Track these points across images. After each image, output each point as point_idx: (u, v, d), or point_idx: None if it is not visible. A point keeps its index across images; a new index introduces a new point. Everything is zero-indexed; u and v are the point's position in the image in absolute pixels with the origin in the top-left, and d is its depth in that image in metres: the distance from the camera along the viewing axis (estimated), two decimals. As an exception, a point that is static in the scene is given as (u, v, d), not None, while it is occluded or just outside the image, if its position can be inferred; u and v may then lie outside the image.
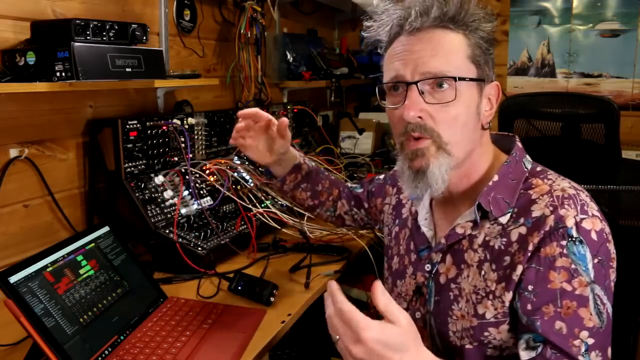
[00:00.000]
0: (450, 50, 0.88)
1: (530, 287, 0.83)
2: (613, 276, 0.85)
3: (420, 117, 0.88)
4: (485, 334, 0.88)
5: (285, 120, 1.22)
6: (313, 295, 1.33)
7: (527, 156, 0.96)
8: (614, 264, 0.85)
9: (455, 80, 0.86)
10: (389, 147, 2.80)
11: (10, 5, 1.30)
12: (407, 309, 1.01)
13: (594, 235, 0.82)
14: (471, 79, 0.89)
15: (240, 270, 1.38)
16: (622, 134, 1.97)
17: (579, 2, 2.94)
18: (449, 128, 0.88)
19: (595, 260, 0.82)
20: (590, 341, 0.80)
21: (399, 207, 1.14)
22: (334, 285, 0.76)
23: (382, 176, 1.35)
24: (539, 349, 0.81)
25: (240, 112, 1.24)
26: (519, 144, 0.97)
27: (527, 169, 0.93)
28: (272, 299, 1.25)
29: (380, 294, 0.74)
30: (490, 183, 0.91)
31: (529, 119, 2.06)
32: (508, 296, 0.86)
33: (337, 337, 0.75)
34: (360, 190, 1.39)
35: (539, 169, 0.94)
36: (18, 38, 1.31)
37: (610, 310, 0.83)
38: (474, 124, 0.91)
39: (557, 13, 2.99)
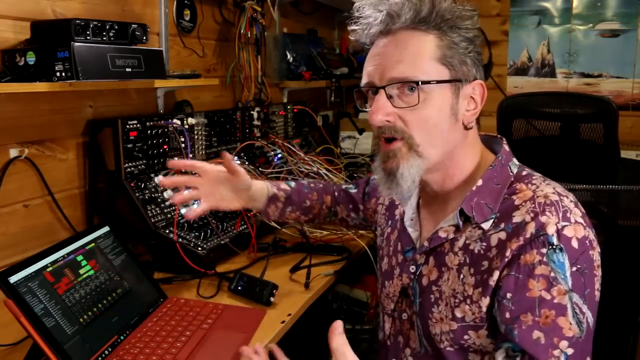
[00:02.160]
0: (417, 54, 0.87)
1: (508, 295, 0.82)
2: (597, 285, 0.83)
3: (388, 121, 0.89)
4: (465, 337, 0.88)
5: (227, 155, 1.19)
6: (313, 295, 1.33)
7: (514, 159, 0.95)
8: (598, 272, 0.83)
9: (418, 85, 0.86)
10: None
11: (10, 5, 1.31)
12: (394, 310, 1.02)
13: (574, 243, 0.81)
14: (439, 81, 0.87)
15: (240, 270, 1.38)
16: (621, 134, 1.97)
17: (579, 2, 2.94)
18: (420, 130, 0.88)
19: (574, 269, 0.80)
20: (570, 351, 0.79)
21: (392, 208, 1.13)
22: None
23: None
24: (517, 358, 0.80)
25: (171, 163, 1.23)
26: (506, 147, 0.95)
27: (512, 173, 0.92)
28: (272, 299, 1.25)
29: (337, 334, 0.77)
30: (474, 188, 0.90)
31: (528, 118, 2.06)
32: (485, 301, 0.85)
33: None
34: (354, 191, 1.37)
35: (524, 172, 0.93)
36: (18, 38, 1.32)
37: (590, 320, 0.81)
38: (449, 125, 0.90)
39: (557, 13, 3.00)
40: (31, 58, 1.25)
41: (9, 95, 1.29)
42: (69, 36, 1.25)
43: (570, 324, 0.79)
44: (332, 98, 2.76)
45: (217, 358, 1.04)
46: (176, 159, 1.63)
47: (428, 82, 0.87)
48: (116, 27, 1.38)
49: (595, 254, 0.83)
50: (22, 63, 1.26)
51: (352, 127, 2.77)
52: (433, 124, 0.88)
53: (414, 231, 1.01)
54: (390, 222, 1.12)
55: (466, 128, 0.92)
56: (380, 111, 0.88)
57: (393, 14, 0.88)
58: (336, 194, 1.40)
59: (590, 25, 2.93)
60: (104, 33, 1.35)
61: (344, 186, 1.43)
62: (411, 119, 0.88)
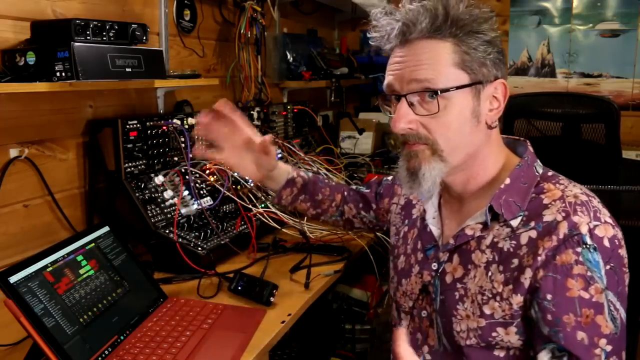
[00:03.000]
0: (436, 60, 0.89)
1: (549, 297, 0.83)
2: (627, 280, 0.85)
3: (411, 128, 0.91)
4: (494, 334, 0.89)
5: (267, 138, 1.21)
6: (313, 295, 1.33)
7: (538, 161, 0.97)
8: (627, 269, 0.86)
9: (437, 93, 0.88)
10: (389, 147, 2.80)
11: (10, 5, 1.30)
12: (412, 308, 1.02)
13: (606, 242, 0.83)
14: (458, 87, 0.88)
15: (240, 270, 1.38)
16: (622, 134, 1.97)
17: (579, 2, 2.94)
18: (443, 135, 0.90)
19: (608, 267, 0.82)
20: (609, 348, 0.81)
21: (408, 207, 1.14)
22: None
23: (390, 177, 1.36)
24: (564, 359, 0.82)
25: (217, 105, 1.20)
26: (531, 149, 0.97)
27: (538, 173, 0.94)
28: (272, 299, 1.24)
29: (403, 341, 0.77)
30: (502, 186, 0.92)
31: (529, 119, 2.06)
32: (516, 299, 0.86)
33: None
34: (367, 191, 1.38)
35: (550, 173, 0.95)
36: (18, 38, 1.31)
37: (623, 315, 0.84)
38: (471, 128, 0.91)
39: (557, 13, 2.99)
40: (31, 58, 1.25)
41: (9, 95, 1.29)
42: (69, 36, 1.25)
43: (607, 321, 0.81)
44: (332, 98, 2.76)
45: (217, 358, 1.04)
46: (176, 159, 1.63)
47: (447, 90, 0.88)
48: (116, 27, 1.38)
49: (624, 252, 0.85)
50: (22, 63, 1.26)
51: (352, 127, 2.77)
52: (455, 129, 0.90)
53: (436, 229, 1.02)
54: (407, 220, 1.12)
55: (490, 127, 0.93)
56: (402, 119, 0.90)
57: (409, 24, 0.89)
58: (345, 193, 1.41)
59: (590, 25, 2.93)
60: (104, 33, 1.35)
61: (354, 186, 1.44)
62: (433, 126, 0.90)
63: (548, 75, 3.05)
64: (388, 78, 0.93)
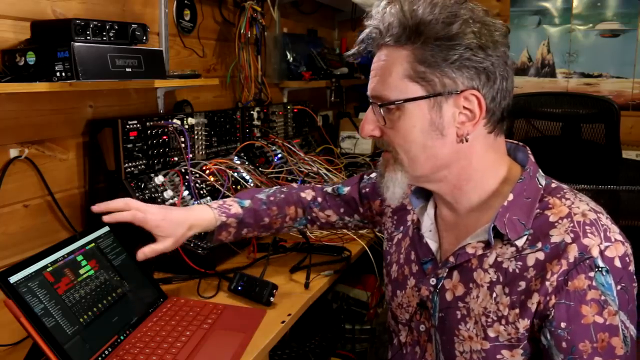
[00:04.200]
0: (386, 72, 0.87)
1: (563, 325, 0.81)
2: (635, 292, 0.84)
3: (374, 135, 0.92)
4: (498, 356, 0.87)
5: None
6: (313, 295, 1.33)
7: (540, 170, 0.92)
8: (636, 283, 0.84)
9: (380, 107, 0.88)
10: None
11: (10, 5, 1.30)
12: (410, 321, 1.01)
13: (617, 263, 0.81)
14: (407, 100, 0.85)
15: (240, 270, 1.38)
16: (622, 134, 1.97)
17: (579, 2, 2.94)
18: (400, 146, 0.89)
19: (619, 287, 0.80)
20: None
21: (402, 213, 1.10)
22: None
23: (373, 174, 1.27)
24: None
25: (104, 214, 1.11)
26: (532, 158, 0.92)
27: (541, 185, 0.89)
28: (272, 299, 1.24)
29: None
30: (505, 203, 0.87)
31: (528, 119, 2.06)
32: (523, 323, 0.84)
33: None
34: (347, 190, 1.30)
35: (553, 185, 0.91)
36: (18, 38, 1.31)
37: (634, 332, 0.82)
38: (433, 141, 0.87)
39: (557, 13, 2.99)
40: (31, 58, 1.25)
41: (9, 95, 1.29)
42: (69, 36, 1.25)
43: (621, 342, 0.80)
44: (332, 98, 2.76)
45: (217, 358, 1.04)
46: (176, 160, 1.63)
47: (391, 103, 0.87)
48: (116, 27, 1.38)
49: (633, 267, 0.83)
50: (22, 63, 1.26)
51: (352, 127, 2.77)
52: (412, 141, 0.88)
53: (433, 242, 0.98)
54: (401, 227, 1.09)
55: (462, 141, 0.87)
56: (366, 125, 0.92)
57: (382, 30, 0.88)
58: (319, 199, 1.32)
59: (590, 25, 2.93)
60: (104, 33, 1.35)
61: (327, 189, 1.34)
62: (391, 136, 0.90)
63: (548, 75, 3.05)
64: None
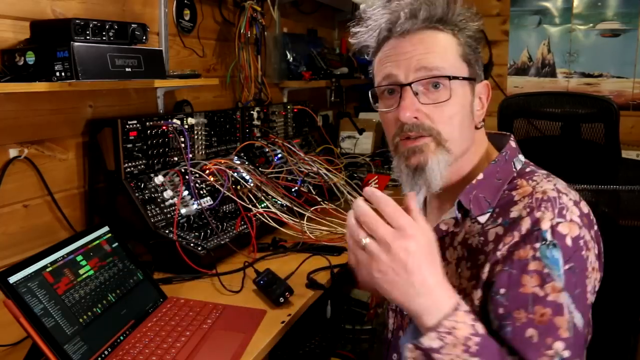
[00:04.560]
0: (444, 48, 0.89)
1: (502, 291, 0.81)
2: (590, 287, 0.82)
3: (416, 118, 0.88)
4: None
5: None
6: (313, 295, 1.33)
7: (520, 156, 0.95)
8: (590, 274, 0.82)
9: (449, 79, 0.87)
10: (388, 147, 2.79)
11: (10, 5, 1.30)
12: (397, 306, 1.01)
13: (568, 241, 0.79)
14: (464, 78, 0.89)
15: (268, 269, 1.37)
16: (622, 134, 1.97)
17: (579, 1, 2.94)
18: (447, 126, 0.89)
19: (567, 267, 0.79)
20: (566, 354, 0.77)
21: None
22: (372, 189, 0.76)
23: None
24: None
25: None
26: (512, 144, 0.96)
27: (515, 169, 0.92)
28: (281, 300, 1.24)
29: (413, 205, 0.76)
30: (474, 181, 0.91)
31: (528, 118, 2.06)
32: (476, 294, 0.85)
33: (367, 239, 0.73)
34: None
35: (528, 169, 0.92)
36: (17, 38, 1.31)
37: (580, 322, 0.79)
38: (469, 122, 0.92)
39: (558, 13, 2.99)
40: (31, 58, 1.25)
41: (9, 95, 1.29)
42: (69, 36, 1.25)
43: (568, 323, 0.77)
44: (332, 98, 2.76)
45: (217, 358, 1.04)
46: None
47: (456, 78, 0.88)
48: (116, 27, 1.38)
49: (591, 256, 0.82)
50: (21, 63, 1.26)
51: (352, 127, 2.77)
52: (458, 121, 0.89)
53: None
54: None
55: (476, 127, 0.93)
56: (410, 107, 0.88)
57: (409, 15, 0.89)
58: None
59: (591, 25, 2.93)
60: (104, 33, 1.35)
61: None
62: (438, 116, 0.88)
63: (548, 75, 3.05)
64: (387, 69, 0.90)
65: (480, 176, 0.91)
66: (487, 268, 0.83)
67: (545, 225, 0.80)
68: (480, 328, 0.76)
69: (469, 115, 0.91)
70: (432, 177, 0.89)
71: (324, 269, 1.44)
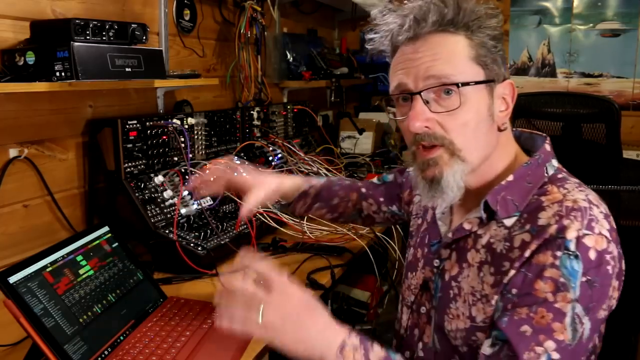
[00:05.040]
0: (452, 54, 0.85)
1: (514, 291, 0.80)
2: (606, 304, 0.79)
3: (427, 127, 0.86)
4: (473, 338, 0.87)
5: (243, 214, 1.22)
6: (313, 295, 1.33)
7: (554, 161, 0.92)
8: (611, 292, 0.79)
9: (458, 87, 0.84)
10: (389, 147, 2.80)
11: (10, 5, 1.30)
12: (413, 302, 1.01)
13: (592, 254, 0.77)
14: (477, 82, 0.85)
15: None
16: (622, 134, 1.97)
17: (579, 1, 2.94)
18: (461, 134, 0.85)
19: (584, 279, 0.77)
20: (555, 355, 0.75)
21: None
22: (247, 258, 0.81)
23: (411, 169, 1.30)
24: (497, 347, 0.78)
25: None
26: (547, 147, 0.92)
27: (547, 174, 0.88)
28: None
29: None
30: (504, 182, 0.87)
31: (529, 118, 2.06)
32: (496, 298, 0.84)
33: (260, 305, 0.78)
34: (391, 179, 1.34)
35: (560, 175, 0.89)
36: (17, 38, 1.31)
37: (587, 333, 0.77)
38: (488, 127, 0.88)
39: (558, 13, 2.99)
40: (31, 58, 1.25)
41: (9, 95, 1.29)
42: (69, 36, 1.25)
43: (565, 329, 0.76)
44: (332, 98, 2.76)
45: (217, 358, 1.04)
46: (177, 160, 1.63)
47: (467, 84, 0.84)
48: (116, 27, 1.38)
49: (614, 271, 0.79)
50: (21, 63, 1.25)
51: (352, 127, 2.77)
52: (473, 128, 0.86)
53: (442, 225, 0.99)
54: (423, 213, 1.10)
55: (500, 129, 0.89)
56: (420, 117, 0.85)
57: (419, 18, 0.86)
58: (364, 189, 1.36)
59: (591, 25, 2.93)
60: (104, 33, 1.35)
61: (374, 180, 1.38)
62: (450, 124, 0.85)
63: (548, 75, 3.05)
64: (398, 77, 0.89)
65: (511, 177, 0.88)
66: (511, 274, 0.82)
67: (571, 234, 0.78)
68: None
69: (486, 120, 0.87)
70: (448, 189, 0.87)
71: (324, 269, 1.44)
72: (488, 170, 0.92)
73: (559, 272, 0.77)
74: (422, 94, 0.85)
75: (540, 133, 0.97)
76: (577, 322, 0.77)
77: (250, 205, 1.20)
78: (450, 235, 0.94)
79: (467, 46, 0.86)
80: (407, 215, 1.29)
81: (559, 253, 0.78)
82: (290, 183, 1.32)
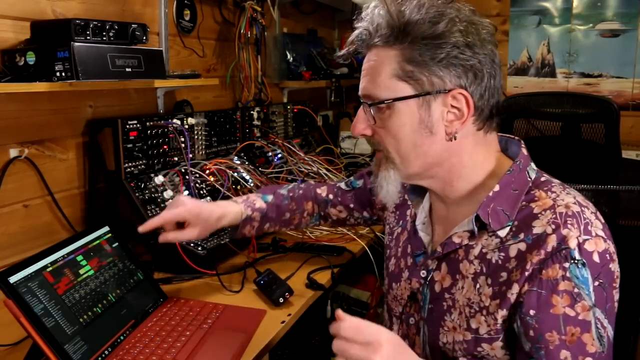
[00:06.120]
0: (376, 72, 0.88)
1: (532, 312, 0.81)
2: (617, 297, 0.83)
3: (365, 134, 0.92)
4: (479, 349, 0.87)
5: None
6: (313, 295, 1.33)
7: (532, 164, 0.92)
8: (617, 284, 0.82)
9: (370, 106, 0.89)
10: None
11: (10, 5, 1.30)
12: (402, 313, 1.01)
13: (596, 257, 0.79)
14: (396, 99, 0.86)
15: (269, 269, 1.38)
16: (622, 134, 1.97)
17: (579, 2, 2.94)
18: (391, 145, 0.90)
19: (596, 283, 0.79)
20: None
21: (403, 208, 1.11)
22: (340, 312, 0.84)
23: None
24: None
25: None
26: (524, 151, 0.92)
27: (530, 178, 0.89)
28: (281, 300, 1.25)
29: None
30: (491, 193, 0.87)
31: (528, 118, 2.06)
32: (502, 313, 0.84)
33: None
34: (359, 185, 1.35)
35: (543, 179, 0.90)
36: (18, 38, 1.31)
37: (611, 333, 0.81)
38: (422, 139, 0.88)
39: (557, 13, 2.99)
40: (31, 58, 1.25)
41: (9, 95, 1.29)
42: (69, 36, 1.25)
43: (593, 339, 0.79)
44: (332, 98, 2.76)
45: (217, 358, 1.04)
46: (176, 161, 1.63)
47: (381, 102, 0.87)
48: (116, 27, 1.38)
49: (615, 266, 0.82)
50: (22, 63, 1.26)
51: (352, 127, 2.76)
52: (402, 140, 0.89)
53: (425, 235, 0.99)
54: (401, 222, 1.09)
55: (451, 139, 0.88)
56: (358, 124, 0.92)
57: (371, 31, 0.89)
58: (330, 196, 1.38)
59: (590, 25, 2.93)
60: (104, 33, 1.35)
61: (341, 184, 1.39)
62: (382, 135, 0.91)
63: (548, 75, 3.05)
64: None
65: (497, 187, 0.88)
66: (516, 289, 0.82)
67: (573, 243, 0.79)
68: None
69: (418, 132, 0.87)
70: (379, 189, 0.94)
71: (324, 269, 1.45)
72: (452, 178, 0.92)
73: (571, 283, 0.79)
74: (362, 104, 0.92)
75: (513, 137, 0.97)
76: (600, 327, 0.79)
77: (175, 239, 1.22)
78: (439, 249, 0.93)
79: (394, 62, 0.86)
80: (380, 221, 1.31)
81: (567, 264, 0.79)
82: (235, 210, 1.28)
